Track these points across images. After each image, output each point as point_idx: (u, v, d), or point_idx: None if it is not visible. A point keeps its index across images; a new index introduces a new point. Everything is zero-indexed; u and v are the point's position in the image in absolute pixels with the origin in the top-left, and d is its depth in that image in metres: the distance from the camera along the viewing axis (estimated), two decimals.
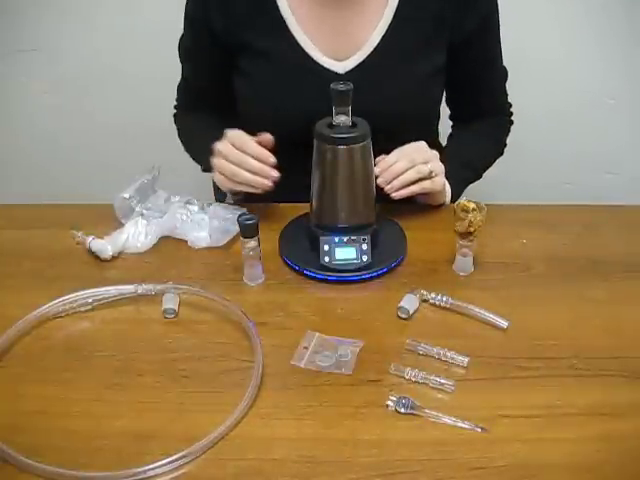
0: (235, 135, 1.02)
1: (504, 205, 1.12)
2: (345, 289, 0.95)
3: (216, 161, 1.04)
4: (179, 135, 1.27)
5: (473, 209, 0.91)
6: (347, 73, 1.10)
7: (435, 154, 1.05)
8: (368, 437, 0.73)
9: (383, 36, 1.09)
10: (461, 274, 0.97)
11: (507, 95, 1.25)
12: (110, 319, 0.91)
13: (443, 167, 1.06)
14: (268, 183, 0.99)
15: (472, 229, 0.92)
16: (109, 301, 0.92)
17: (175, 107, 1.28)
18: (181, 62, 1.20)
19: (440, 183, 1.06)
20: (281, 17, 1.08)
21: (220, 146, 1.03)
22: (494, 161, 1.25)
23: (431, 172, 1.02)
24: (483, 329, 0.88)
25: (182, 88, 1.25)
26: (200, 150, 1.13)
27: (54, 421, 0.76)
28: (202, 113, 1.22)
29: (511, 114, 1.27)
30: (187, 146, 1.25)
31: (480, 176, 1.22)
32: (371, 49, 1.09)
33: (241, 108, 1.19)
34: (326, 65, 1.10)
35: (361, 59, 1.10)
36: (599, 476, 0.70)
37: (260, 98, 1.13)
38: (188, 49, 1.18)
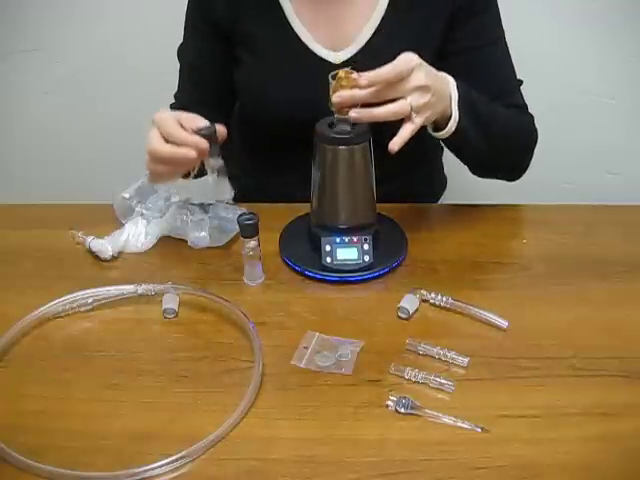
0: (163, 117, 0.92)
1: (504, 205, 1.12)
2: (345, 289, 0.95)
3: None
4: None
5: (339, 77, 0.86)
6: (342, 63, 1.09)
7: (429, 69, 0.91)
8: (368, 437, 0.73)
9: (377, 28, 1.09)
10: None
11: (524, 100, 1.16)
12: (110, 319, 0.91)
13: (428, 97, 0.89)
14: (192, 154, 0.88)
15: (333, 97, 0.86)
16: (109, 301, 0.92)
17: None
18: (181, 70, 1.18)
19: (428, 119, 0.92)
20: (279, 5, 1.09)
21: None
22: (519, 141, 1.13)
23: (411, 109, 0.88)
24: (483, 329, 0.88)
25: (181, 97, 1.18)
26: None
27: (54, 421, 0.76)
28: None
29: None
30: None
31: (490, 133, 1.03)
32: (365, 40, 1.09)
33: (239, 102, 1.19)
34: (321, 55, 1.10)
35: (356, 50, 1.10)
36: (599, 476, 0.70)
37: (256, 86, 1.13)
38: (191, 52, 1.17)
